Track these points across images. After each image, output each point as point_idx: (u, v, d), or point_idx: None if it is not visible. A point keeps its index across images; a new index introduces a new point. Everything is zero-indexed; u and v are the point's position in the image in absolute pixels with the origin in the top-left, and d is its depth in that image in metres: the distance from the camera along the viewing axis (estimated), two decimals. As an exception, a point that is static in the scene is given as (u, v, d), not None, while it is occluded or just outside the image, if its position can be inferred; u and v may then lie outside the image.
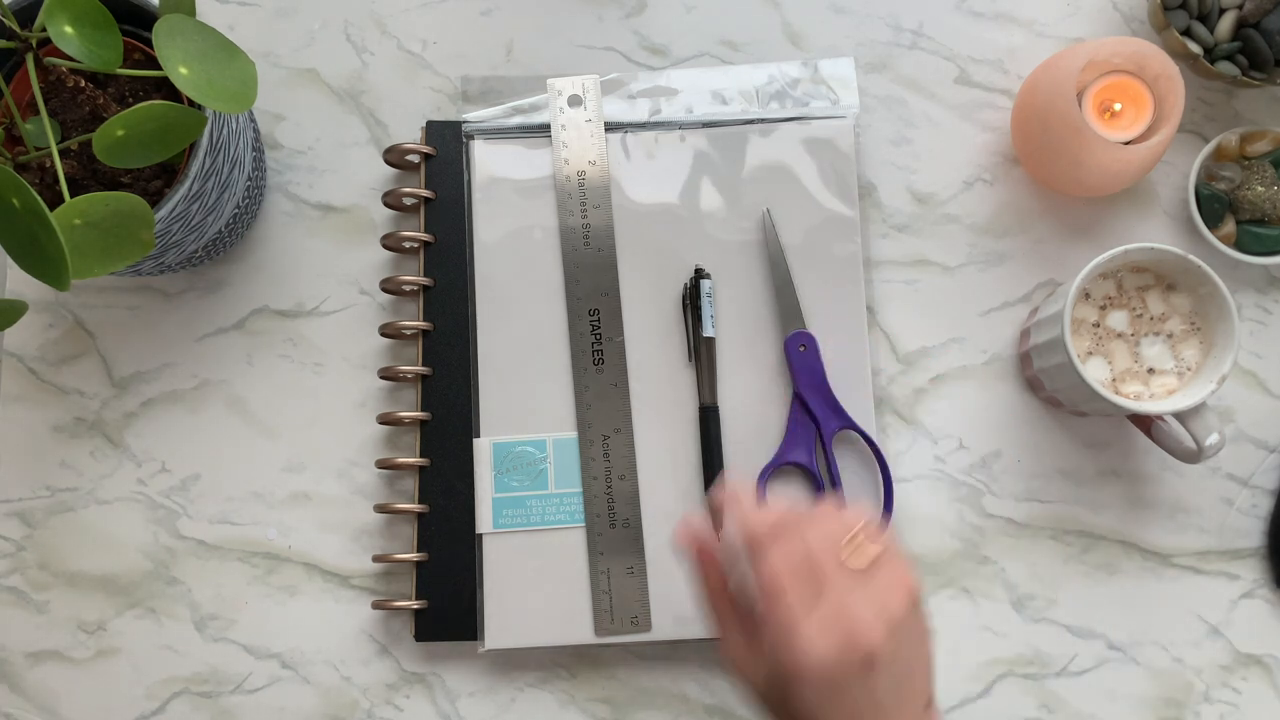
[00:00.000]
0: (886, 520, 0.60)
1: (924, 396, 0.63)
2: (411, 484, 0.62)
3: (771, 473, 0.60)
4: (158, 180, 0.54)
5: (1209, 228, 0.62)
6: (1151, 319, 0.58)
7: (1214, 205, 0.62)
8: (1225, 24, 0.62)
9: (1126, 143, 0.60)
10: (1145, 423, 0.61)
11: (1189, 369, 0.58)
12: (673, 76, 0.65)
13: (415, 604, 0.60)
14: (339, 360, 0.64)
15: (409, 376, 0.61)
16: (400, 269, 0.64)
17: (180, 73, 0.47)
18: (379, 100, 0.66)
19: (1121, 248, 0.56)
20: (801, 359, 0.61)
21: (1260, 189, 0.62)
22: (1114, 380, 0.58)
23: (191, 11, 0.50)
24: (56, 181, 0.52)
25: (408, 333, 0.62)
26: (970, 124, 0.65)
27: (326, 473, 0.62)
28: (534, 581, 0.60)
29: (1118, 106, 0.60)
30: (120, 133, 0.47)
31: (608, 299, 0.62)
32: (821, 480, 0.60)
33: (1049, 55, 0.62)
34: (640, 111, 0.64)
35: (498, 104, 0.64)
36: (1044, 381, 0.60)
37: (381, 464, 0.61)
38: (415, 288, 0.62)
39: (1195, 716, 0.61)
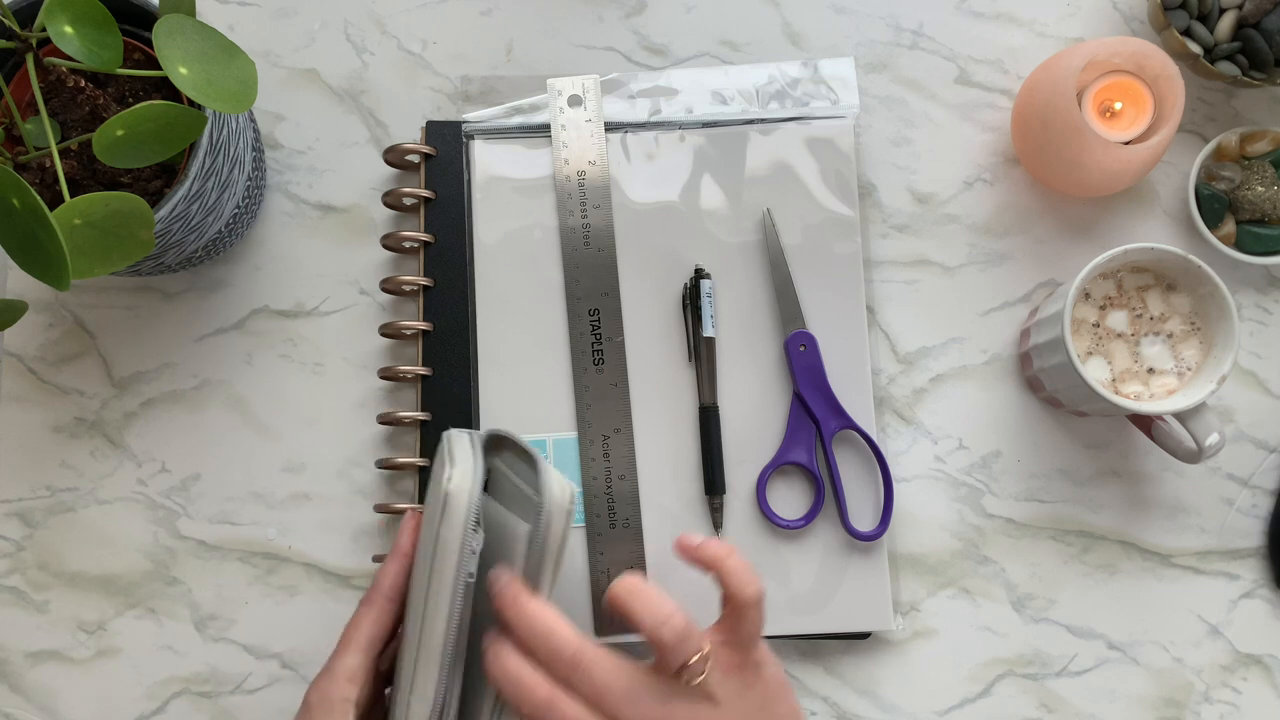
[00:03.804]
0: (886, 521, 0.60)
1: (924, 396, 0.63)
2: (411, 484, 0.62)
3: (771, 473, 0.60)
4: (158, 180, 0.54)
5: (1209, 228, 0.62)
6: (1151, 319, 0.58)
7: (1214, 205, 0.62)
8: (1225, 24, 0.62)
9: (1126, 143, 0.59)
10: (1145, 423, 0.61)
11: (1189, 369, 0.58)
12: (673, 76, 0.65)
13: (415, 604, 0.60)
14: (339, 360, 0.64)
15: (409, 376, 0.61)
16: (400, 269, 0.64)
17: (180, 73, 0.47)
18: (379, 100, 0.66)
19: (1121, 248, 0.56)
20: (801, 359, 0.61)
21: (1260, 189, 0.62)
22: (1114, 380, 0.58)
23: (191, 11, 0.50)
24: (56, 181, 0.52)
25: (408, 333, 0.62)
26: (970, 124, 0.65)
27: (326, 473, 0.62)
28: (534, 581, 0.60)
29: (1118, 106, 0.60)
30: (120, 133, 0.47)
31: (608, 299, 0.62)
32: (821, 480, 0.60)
33: (1049, 55, 0.62)
34: (640, 111, 0.64)
35: (498, 104, 0.64)
36: (1044, 381, 0.60)
37: (381, 464, 0.61)
38: (415, 288, 0.62)
39: (1195, 716, 0.61)
